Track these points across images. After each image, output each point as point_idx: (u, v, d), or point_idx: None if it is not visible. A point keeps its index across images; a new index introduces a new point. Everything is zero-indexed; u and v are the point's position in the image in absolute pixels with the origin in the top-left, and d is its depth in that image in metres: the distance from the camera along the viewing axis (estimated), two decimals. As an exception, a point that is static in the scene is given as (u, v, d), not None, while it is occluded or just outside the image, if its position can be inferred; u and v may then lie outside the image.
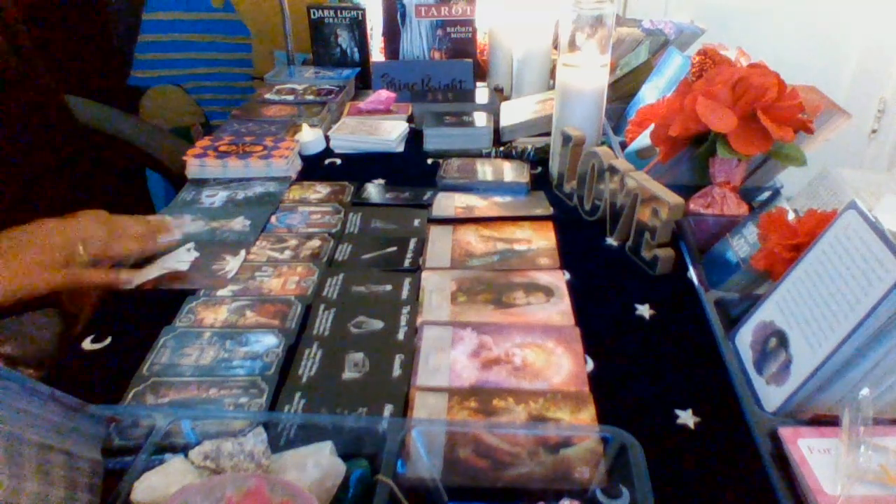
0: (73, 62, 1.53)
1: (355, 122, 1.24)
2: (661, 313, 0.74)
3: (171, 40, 1.76)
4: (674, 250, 0.81)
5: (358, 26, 1.48)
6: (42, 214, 0.95)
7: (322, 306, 0.74)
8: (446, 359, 0.66)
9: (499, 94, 1.42)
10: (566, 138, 0.96)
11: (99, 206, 0.98)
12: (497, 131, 1.21)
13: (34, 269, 0.69)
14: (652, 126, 0.95)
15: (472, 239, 0.88)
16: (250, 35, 1.81)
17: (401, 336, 0.70)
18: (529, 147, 1.13)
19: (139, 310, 0.75)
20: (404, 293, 0.77)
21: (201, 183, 1.04)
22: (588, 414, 0.59)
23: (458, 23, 1.42)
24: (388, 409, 0.60)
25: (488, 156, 1.13)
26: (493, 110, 1.26)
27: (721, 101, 0.81)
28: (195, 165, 1.05)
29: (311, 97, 1.34)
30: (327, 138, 1.19)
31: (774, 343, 0.61)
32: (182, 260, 0.82)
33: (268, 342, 0.69)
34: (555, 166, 1.04)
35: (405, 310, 0.74)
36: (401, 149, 1.19)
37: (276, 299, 0.75)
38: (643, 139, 1.04)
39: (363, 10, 1.47)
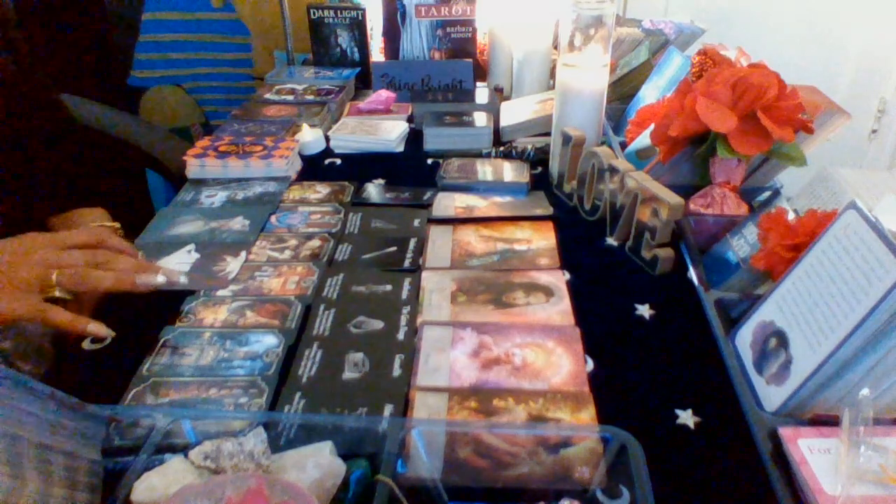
0: (73, 62, 1.53)
1: (355, 122, 1.24)
2: (661, 313, 0.74)
3: (171, 40, 1.76)
4: (674, 250, 0.81)
5: (358, 26, 1.48)
6: (43, 215, 0.95)
7: (322, 306, 0.74)
8: (446, 359, 0.66)
9: (499, 94, 1.42)
10: (566, 138, 0.96)
11: (99, 206, 0.98)
12: (497, 131, 1.21)
13: (3, 293, 0.63)
14: (652, 126, 0.95)
15: (472, 239, 0.88)
16: (250, 35, 1.81)
17: (401, 336, 0.70)
18: (529, 147, 1.13)
19: (139, 310, 0.75)
20: (404, 293, 0.77)
21: (201, 183, 1.04)
22: (588, 414, 0.59)
23: (458, 23, 1.42)
24: (388, 409, 0.60)
25: (488, 156, 1.13)
26: (493, 110, 1.26)
27: (721, 101, 0.81)
28: (195, 165, 1.05)
29: (311, 97, 1.34)
30: (327, 138, 1.19)
31: (774, 343, 0.61)
32: (182, 261, 0.82)
33: (268, 342, 0.69)
34: (555, 166, 1.04)
35: (405, 310, 0.74)
36: (401, 149, 1.19)
37: (276, 299, 0.75)
38: (643, 139, 1.04)
39: (363, 10, 1.47)
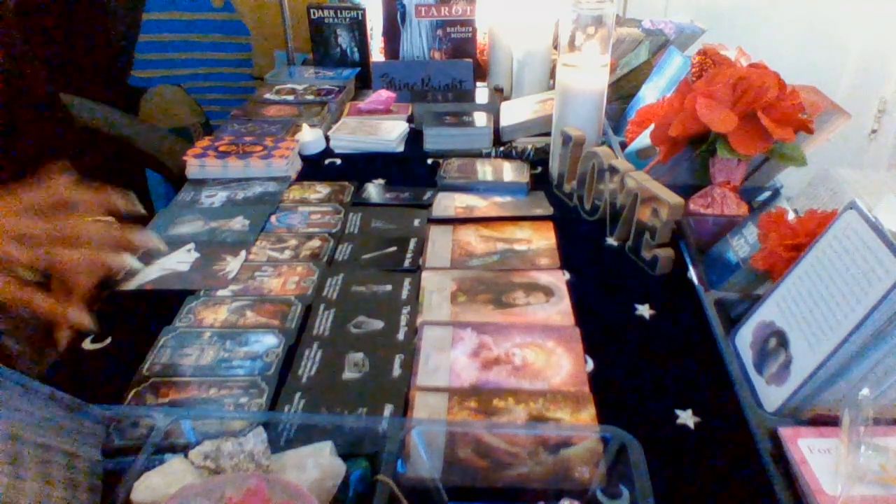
0: (73, 62, 1.53)
1: (355, 122, 1.24)
2: (661, 313, 0.74)
3: (171, 40, 1.76)
4: (674, 250, 0.81)
5: (358, 26, 1.48)
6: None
7: (322, 306, 0.74)
8: (446, 359, 0.66)
9: (499, 94, 1.42)
10: (566, 138, 0.96)
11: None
12: (497, 131, 1.21)
13: None
14: (652, 126, 0.95)
15: (472, 239, 0.88)
16: (250, 35, 1.81)
17: (401, 336, 0.70)
18: (529, 147, 1.13)
19: (139, 310, 0.75)
20: (404, 293, 0.77)
21: (201, 183, 1.04)
22: (588, 414, 0.59)
23: (458, 23, 1.42)
24: (388, 409, 0.60)
25: (488, 156, 1.13)
26: (493, 110, 1.26)
27: (721, 101, 0.81)
28: (195, 165, 1.05)
29: (311, 97, 1.34)
30: (327, 138, 1.19)
31: (774, 343, 0.61)
32: (182, 260, 0.82)
33: (268, 342, 0.69)
34: (555, 166, 1.04)
35: (405, 310, 0.74)
36: (401, 149, 1.19)
37: (276, 299, 0.75)
38: (643, 139, 1.04)
39: (363, 10, 1.47)
